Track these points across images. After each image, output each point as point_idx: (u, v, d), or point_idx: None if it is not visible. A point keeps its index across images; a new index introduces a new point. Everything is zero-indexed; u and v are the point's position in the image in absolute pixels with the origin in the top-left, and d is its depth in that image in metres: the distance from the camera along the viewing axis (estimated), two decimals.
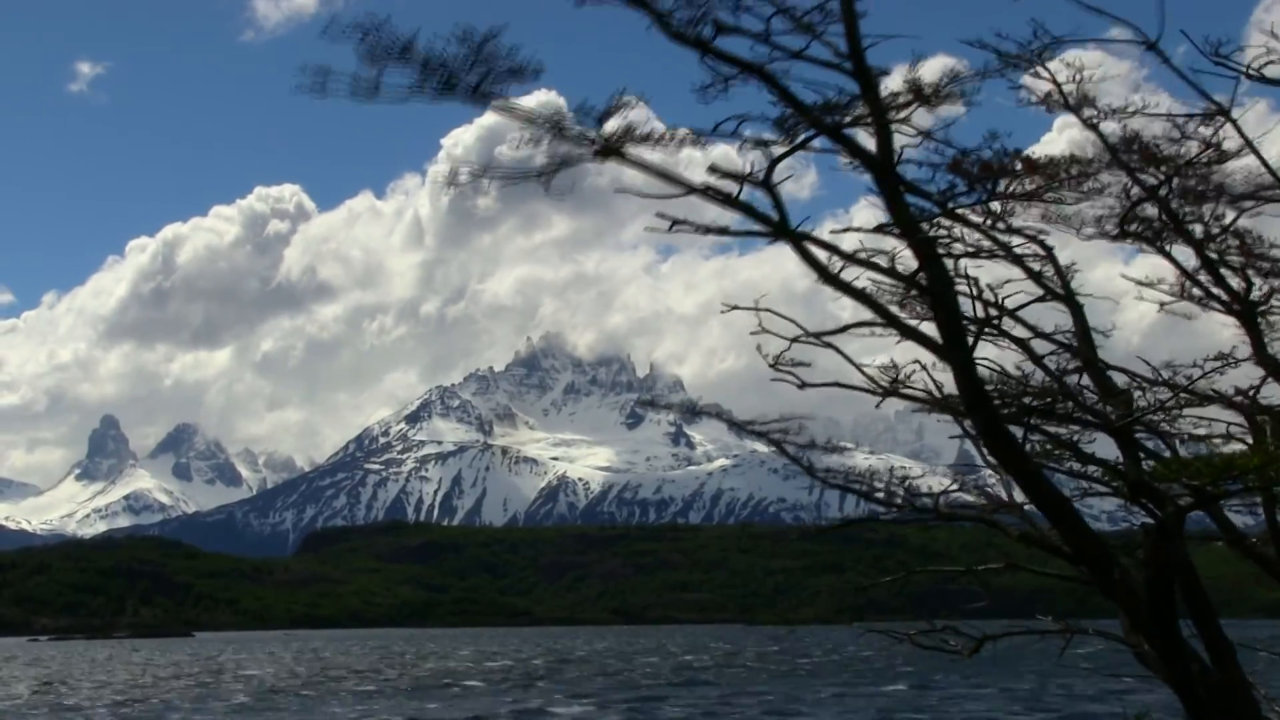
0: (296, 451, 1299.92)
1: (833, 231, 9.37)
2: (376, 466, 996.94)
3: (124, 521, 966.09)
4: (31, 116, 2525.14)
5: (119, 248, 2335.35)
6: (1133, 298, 11.29)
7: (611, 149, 8.00)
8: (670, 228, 8.47)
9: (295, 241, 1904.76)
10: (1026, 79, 9.75)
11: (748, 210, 8.40)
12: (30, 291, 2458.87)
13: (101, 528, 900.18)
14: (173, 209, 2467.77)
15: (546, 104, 8.32)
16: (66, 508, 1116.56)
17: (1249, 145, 9.67)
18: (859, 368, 9.98)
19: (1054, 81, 9.80)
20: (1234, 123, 9.69)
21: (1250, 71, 9.21)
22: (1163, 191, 10.30)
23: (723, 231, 8.50)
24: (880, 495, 10.58)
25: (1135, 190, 10.33)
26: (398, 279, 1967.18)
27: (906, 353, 9.95)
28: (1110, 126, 10.07)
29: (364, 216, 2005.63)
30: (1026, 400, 10.90)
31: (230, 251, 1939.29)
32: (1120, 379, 11.07)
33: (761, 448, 10.24)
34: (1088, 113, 9.87)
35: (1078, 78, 9.76)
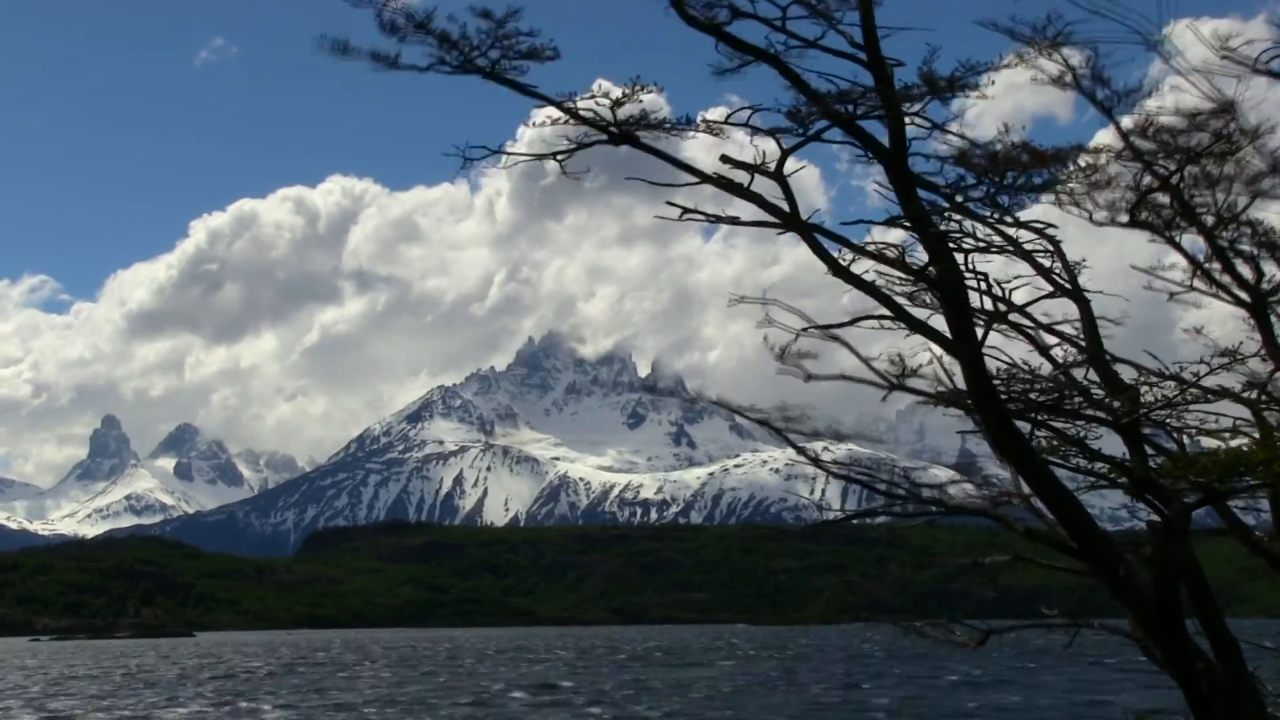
0: (329, 443, 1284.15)
1: (843, 223, 9.36)
2: (378, 466, 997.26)
3: (125, 522, 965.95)
4: (154, 91, 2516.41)
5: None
6: (1141, 287, 11.26)
7: (626, 134, 8.01)
8: (680, 216, 8.48)
9: (357, 231, 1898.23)
10: (1041, 61, 9.69)
11: (759, 201, 8.40)
12: (93, 280, 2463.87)
13: (103, 528, 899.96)
14: (250, 192, 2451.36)
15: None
16: (68, 508, 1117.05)
17: (1253, 142, 9.65)
18: (866, 361, 9.96)
19: (1066, 65, 9.76)
20: (1243, 116, 9.67)
21: (1259, 66, 9.19)
22: (1175, 179, 10.26)
23: (734, 221, 8.51)
24: (883, 487, 10.56)
25: (1147, 179, 10.29)
26: (462, 268, 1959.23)
27: (913, 345, 9.92)
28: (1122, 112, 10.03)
29: (442, 204, 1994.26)
30: (1034, 396, 10.87)
31: (289, 239, 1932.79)
32: (1128, 373, 11.06)
33: (763, 447, 10.18)
34: (1102, 94, 9.83)
35: (1091, 61, 9.72)
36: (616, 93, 7.91)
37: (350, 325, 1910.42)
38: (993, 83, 8.59)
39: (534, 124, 8.06)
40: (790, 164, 8.41)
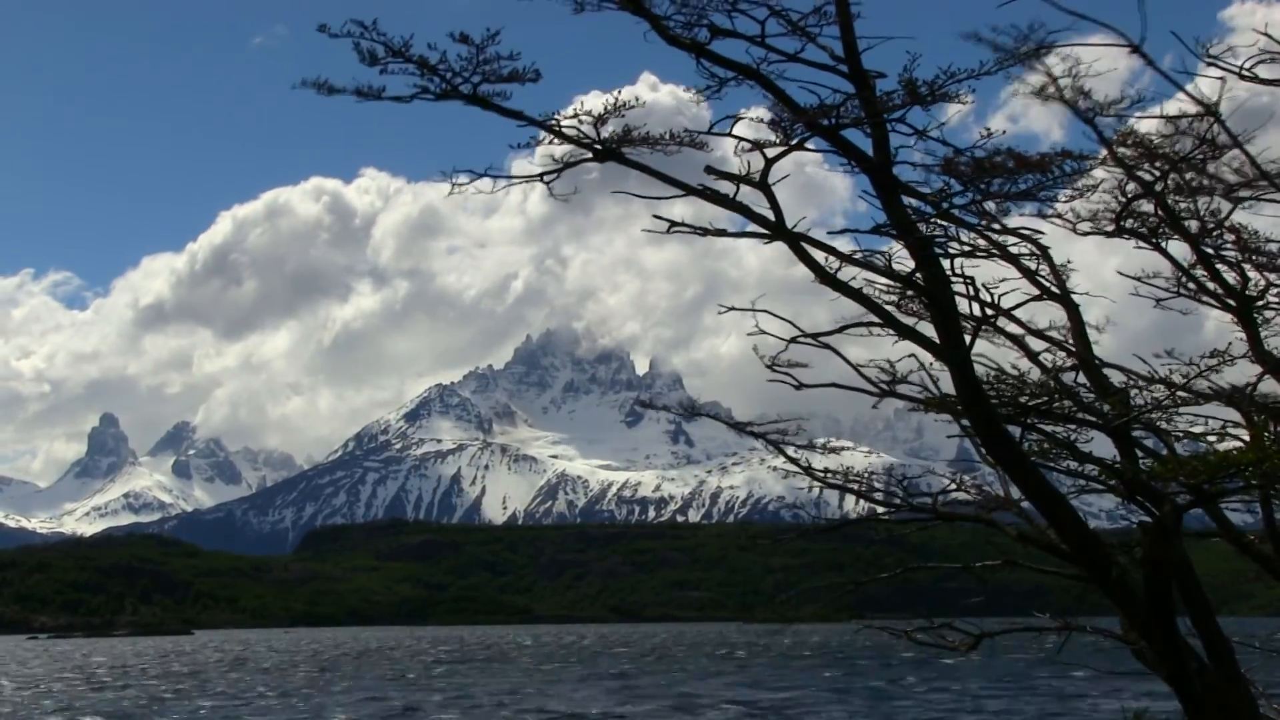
0: (335, 442, 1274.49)
1: (830, 232, 9.41)
2: (376, 465, 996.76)
3: (123, 520, 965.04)
4: (198, 82, 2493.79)
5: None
6: (1129, 294, 11.31)
7: (611, 151, 8.04)
8: (668, 229, 8.51)
9: (386, 223, 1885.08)
10: (1023, 73, 9.71)
11: (744, 211, 8.44)
12: (117, 276, 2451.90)
13: (101, 526, 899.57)
14: (281, 182, 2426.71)
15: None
16: (66, 506, 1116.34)
17: (1237, 144, 9.67)
18: (856, 368, 10.00)
19: (1049, 75, 9.78)
20: (1222, 123, 9.70)
21: (1244, 72, 9.22)
22: (1158, 187, 10.30)
23: (720, 233, 8.55)
24: (878, 495, 10.62)
25: (1131, 186, 10.33)
26: (490, 264, 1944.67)
27: (903, 352, 9.97)
28: (1106, 121, 10.06)
29: (477, 196, 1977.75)
30: (1023, 399, 10.91)
31: (315, 233, 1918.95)
32: (1117, 377, 11.09)
33: (760, 446, 10.26)
34: (1084, 105, 9.85)
35: (1073, 71, 9.74)
36: (599, 109, 7.93)
37: (368, 321, 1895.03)
38: (974, 90, 8.62)
39: (532, 143, 8.08)
40: (776, 172, 8.46)
